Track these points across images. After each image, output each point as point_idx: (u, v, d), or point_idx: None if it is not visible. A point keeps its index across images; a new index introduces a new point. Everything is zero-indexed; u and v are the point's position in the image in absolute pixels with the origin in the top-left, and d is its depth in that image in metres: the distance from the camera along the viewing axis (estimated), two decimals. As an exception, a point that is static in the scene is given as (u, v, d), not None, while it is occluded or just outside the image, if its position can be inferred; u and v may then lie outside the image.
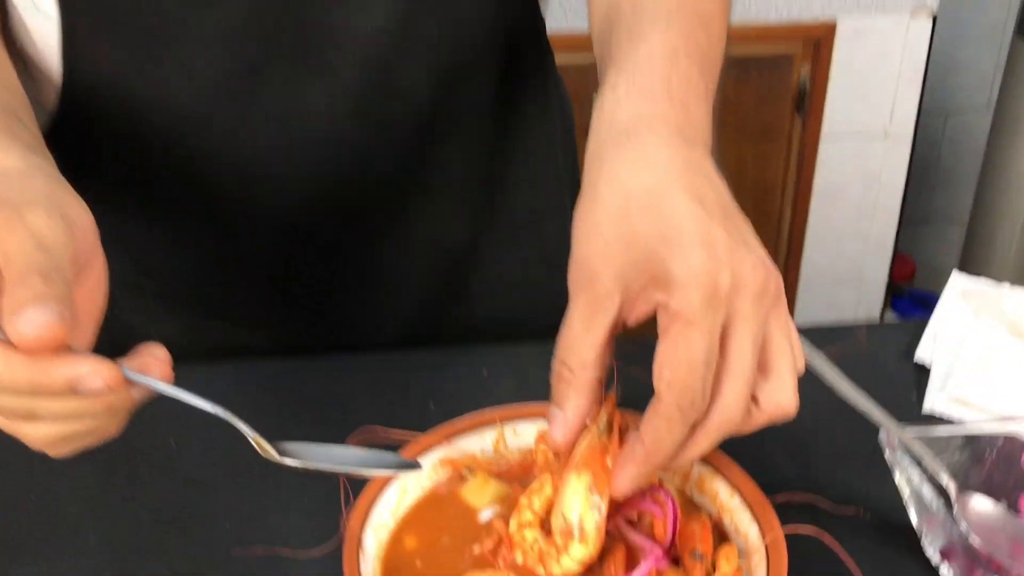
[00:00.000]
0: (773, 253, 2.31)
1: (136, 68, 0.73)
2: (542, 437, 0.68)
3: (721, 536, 0.62)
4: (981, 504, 0.66)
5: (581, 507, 0.55)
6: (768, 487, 0.63)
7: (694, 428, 0.51)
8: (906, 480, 0.66)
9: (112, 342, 0.97)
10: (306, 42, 0.73)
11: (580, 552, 0.55)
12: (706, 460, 0.66)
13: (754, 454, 0.73)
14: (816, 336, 0.73)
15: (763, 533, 0.59)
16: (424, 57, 0.77)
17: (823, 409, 0.79)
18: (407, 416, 0.79)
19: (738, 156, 2.24)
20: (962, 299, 0.90)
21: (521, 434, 0.69)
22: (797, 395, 0.52)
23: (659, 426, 0.50)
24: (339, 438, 0.69)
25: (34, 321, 0.44)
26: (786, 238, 2.36)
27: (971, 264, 2.40)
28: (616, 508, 0.63)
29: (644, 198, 0.49)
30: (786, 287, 0.52)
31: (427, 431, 0.67)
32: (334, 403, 0.82)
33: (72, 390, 0.47)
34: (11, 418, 0.49)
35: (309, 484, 0.73)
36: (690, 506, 0.65)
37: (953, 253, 2.70)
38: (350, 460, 0.57)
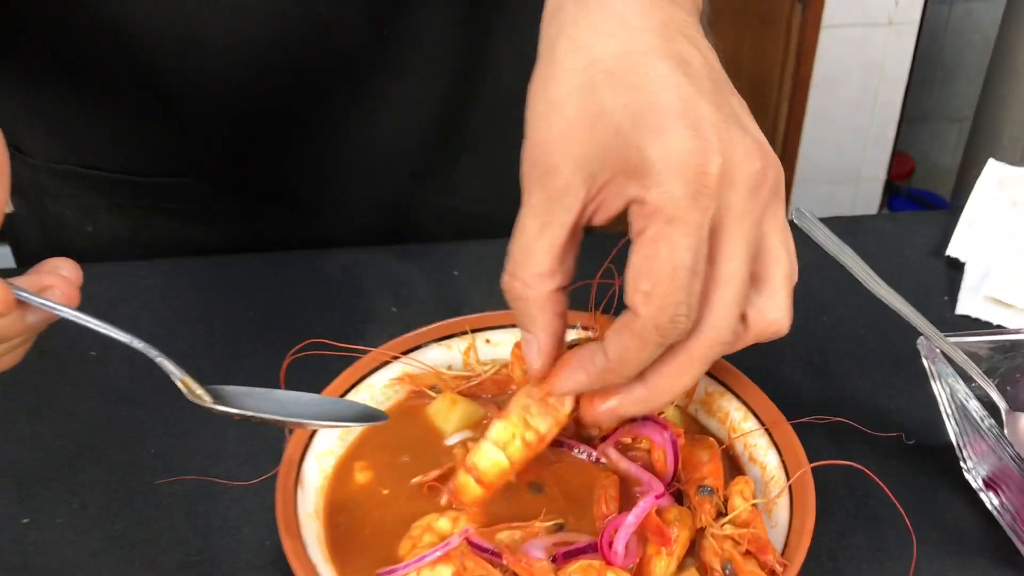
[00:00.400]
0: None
1: None
2: (519, 346, 0.58)
3: (733, 467, 0.52)
4: (1035, 425, 0.56)
5: None
6: (788, 407, 0.53)
7: (672, 349, 0.40)
8: (947, 397, 0.56)
9: (45, 238, 0.86)
10: None
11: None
12: (714, 375, 0.55)
13: (770, 368, 0.63)
14: (832, 227, 0.62)
15: (784, 463, 0.49)
16: None
17: (850, 315, 0.69)
18: (366, 323, 0.69)
19: (734, 45, 2.10)
20: (999, 188, 0.79)
21: (496, 344, 0.58)
22: (791, 311, 0.42)
23: (628, 344, 0.40)
24: (284, 349, 0.58)
25: None
26: (782, 133, 2.24)
27: (974, 163, 2.29)
28: (604, 435, 0.53)
29: (613, 66, 0.39)
30: None
31: (386, 342, 0.57)
32: (282, 307, 0.72)
33: None
34: None
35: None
36: (696, 430, 0.55)
37: (952, 153, 2.59)
38: (299, 409, 0.47)
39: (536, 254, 0.41)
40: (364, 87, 0.75)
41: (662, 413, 0.52)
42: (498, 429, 0.48)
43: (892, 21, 2.15)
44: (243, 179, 0.80)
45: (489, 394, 0.57)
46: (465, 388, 0.56)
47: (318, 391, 0.54)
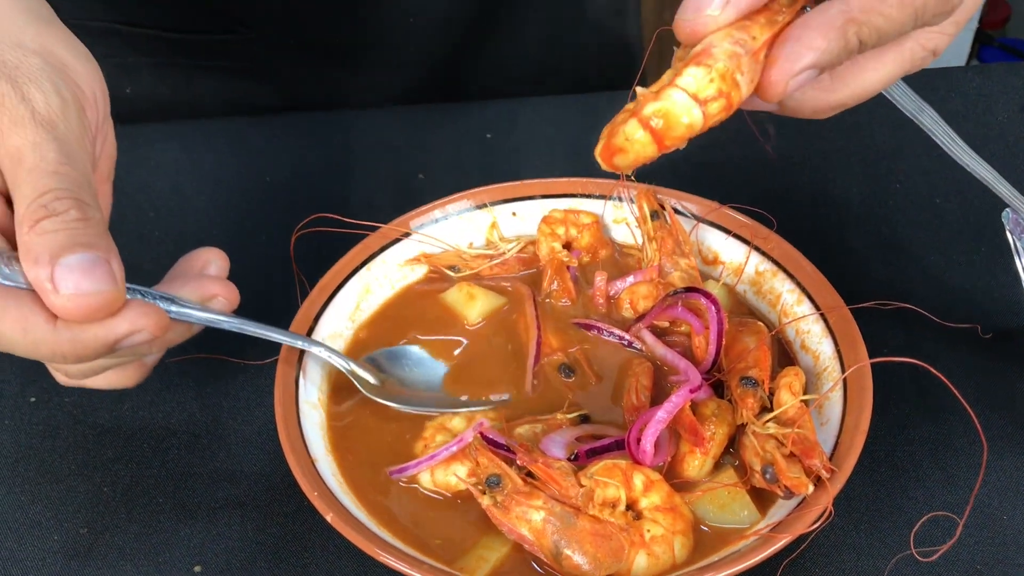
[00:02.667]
0: None
1: None
2: (548, 220, 0.52)
3: (783, 355, 0.47)
4: None
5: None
6: (850, 288, 0.47)
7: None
8: (1035, 275, 0.49)
9: None
10: None
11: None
12: (765, 251, 0.49)
13: (832, 241, 0.57)
14: (917, 82, 0.54)
15: (840, 353, 0.44)
16: None
17: (926, 182, 0.62)
18: (389, 189, 0.64)
19: None
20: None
21: (523, 218, 0.53)
22: None
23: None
24: (298, 219, 0.53)
25: (82, 289, 0.39)
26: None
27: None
28: (639, 316, 0.48)
29: None
30: None
31: (400, 216, 0.52)
32: (304, 172, 0.67)
33: (112, 350, 0.41)
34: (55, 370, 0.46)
35: (264, 276, 0.59)
36: (744, 313, 0.50)
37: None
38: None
39: None
40: None
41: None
42: (698, 76, 0.37)
43: None
44: (291, 34, 0.76)
45: (514, 273, 0.51)
46: (486, 269, 0.51)
47: (327, 268, 0.50)
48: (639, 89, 0.38)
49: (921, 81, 0.57)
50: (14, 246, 0.41)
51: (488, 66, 0.80)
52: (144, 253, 0.62)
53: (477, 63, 0.80)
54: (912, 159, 0.63)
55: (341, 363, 0.45)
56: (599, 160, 0.39)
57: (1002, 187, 0.50)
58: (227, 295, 0.45)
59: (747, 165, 0.66)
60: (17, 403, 0.54)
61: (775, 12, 0.37)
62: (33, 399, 0.54)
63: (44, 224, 0.40)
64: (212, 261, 0.46)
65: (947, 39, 0.43)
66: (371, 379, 0.46)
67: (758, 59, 0.38)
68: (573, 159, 0.63)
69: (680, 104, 0.37)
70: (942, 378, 0.42)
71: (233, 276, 0.59)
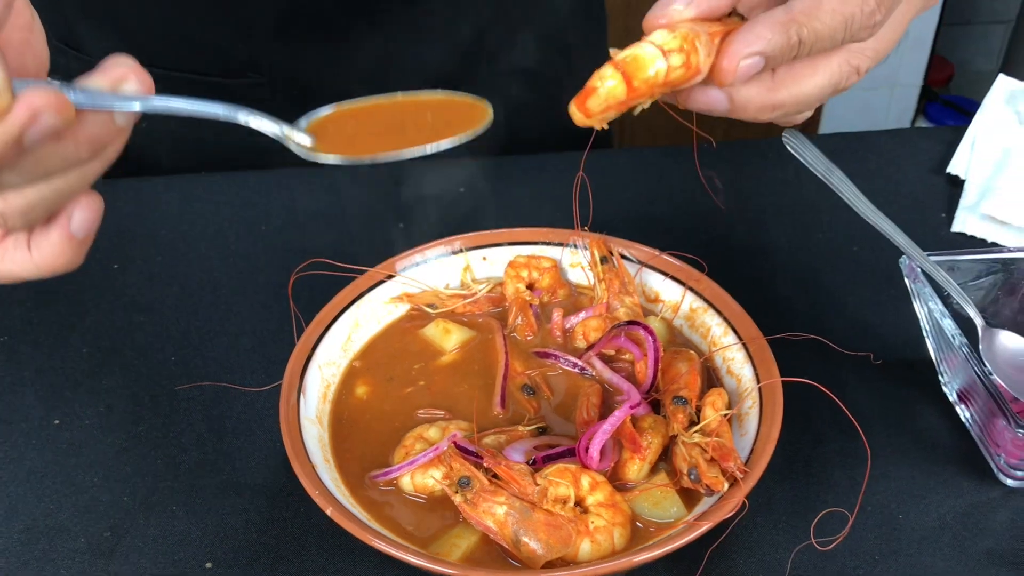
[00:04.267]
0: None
1: None
2: (514, 265, 0.60)
3: (712, 379, 0.55)
4: (1010, 341, 0.58)
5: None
6: (769, 323, 0.55)
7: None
8: (926, 313, 0.58)
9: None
10: None
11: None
12: (699, 291, 0.58)
13: (756, 282, 0.65)
14: (834, 144, 0.63)
15: (758, 377, 0.52)
16: None
17: (842, 233, 0.71)
18: (373, 239, 0.72)
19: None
20: (1006, 104, 0.79)
21: (492, 262, 0.61)
22: None
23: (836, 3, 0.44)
24: (293, 265, 0.61)
25: None
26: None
27: (1014, 67, 2.23)
28: (590, 346, 0.56)
29: None
30: None
31: (384, 261, 0.60)
32: (294, 222, 0.75)
33: (23, 145, 0.38)
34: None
35: (262, 313, 0.67)
36: (680, 343, 0.58)
37: (995, 57, 2.52)
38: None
39: None
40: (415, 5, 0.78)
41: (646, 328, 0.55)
42: (664, 35, 0.43)
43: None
44: (300, 82, 0.83)
45: (483, 311, 0.59)
46: (460, 307, 0.59)
47: (320, 306, 0.57)
48: (612, 50, 0.43)
49: (841, 144, 0.67)
50: None
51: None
52: (151, 293, 0.70)
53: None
54: (834, 212, 0.72)
55: (274, 128, 0.44)
56: (572, 108, 0.43)
57: (900, 238, 0.58)
58: (140, 76, 0.42)
59: (691, 218, 0.75)
60: (43, 425, 0.60)
61: (727, 23, 0.44)
62: (57, 422, 0.60)
63: None
64: (123, 59, 0.42)
65: (869, 62, 0.49)
66: (306, 141, 0.45)
67: (713, 42, 0.43)
68: (536, 211, 0.71)
69: (648, 51, 0.42)
70: (831, 395, 0.51)
71: (234, 314, 0.67)
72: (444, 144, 0.45)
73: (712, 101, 0.46)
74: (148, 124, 0.85)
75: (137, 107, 0.41)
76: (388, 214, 0.75)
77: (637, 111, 0.45)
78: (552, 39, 0.89)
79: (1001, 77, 0.81)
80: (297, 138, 0.45)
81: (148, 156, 0.88)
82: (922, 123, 2.43)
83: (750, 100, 0.47)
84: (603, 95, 0.43)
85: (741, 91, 0.46)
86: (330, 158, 0.44)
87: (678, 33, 0.42)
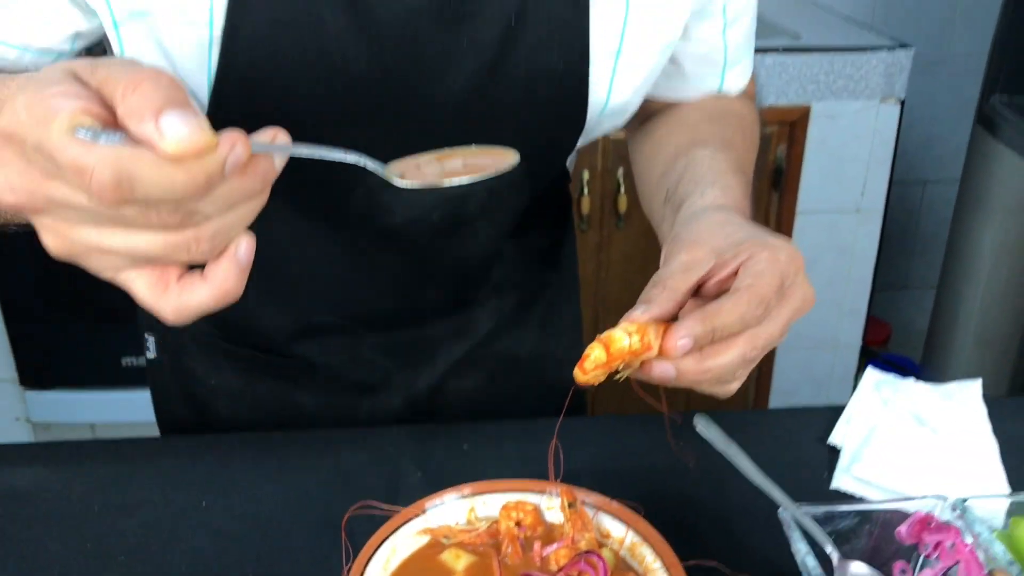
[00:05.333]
0: (753, 318, 2.46)
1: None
2: (506, 507, 0.84)
3: (645, 594, 0.78)
4: (859, 569, 0.81)
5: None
6: (685, 552, 0.79)
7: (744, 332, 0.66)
8: (797, 551, 0.81)
9: (178, 386, 1.12)
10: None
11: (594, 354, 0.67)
12: (638, 530, 0.81)
13: (680, 522, 0.89)
14: (742, 420, 0.88)
15: (676, 594, 0.75)
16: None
17: (739, 486, 0.95)
18: (400, 485, 0.96)
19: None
20: (874, 390, 1.06)
21: (490, 505, 0.85)
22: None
23: (732, 305, 0.65)
24: (344, 506, 0.85)
25: (183, 134, 0.45)
26: (765, 304, 2.51)
27: (940, 329, 2.55)
28: (560, 568, 0.79)
29: (733, 223, 0.74)
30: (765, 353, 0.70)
31: (411, 504, 0.83)
32: (341, 473, 0.98)
33: (222, 174, 0.47)
34: (178, 228, 0.49)
35: (315, 539, 0.89)
36: (623, 568, 0.81)
37: (928, 317, 2.85)
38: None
39: (679, 280, 0.69)
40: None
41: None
42: (626, 325, 0.67)
43: (860, 209, 2.45)
44: (335, 369, 1.07)
45: (484, 541, 0.83)
46: (467, 538, 0.82)
47: (364, 542, 0.80)
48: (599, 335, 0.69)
49: (745, 421, 0.93)
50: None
51: (460, 400, 1.13)
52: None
53: (453, 397, 1.13)
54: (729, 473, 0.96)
55: (375, 166, 0.59)
56: (576, 371, 0.67)
57: (776, 493, 0.83)
58: (283, 134, 0.52)
59: (641, 471, 0.99)
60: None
61: (669, 323, 0.69)
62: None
63: (144, 87, 0.46)
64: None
65: (764, 342, 0.68)
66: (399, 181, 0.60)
67: (660, 331, 0.66)
68: (523, 466, 0.96)
69: (619, 332, 0.67)
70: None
71: (287, 549, 0.89)
72: (489, 173, 0.62)
73: (663, 370, 0.67)
74: (216, 381, 1.09)
75: (289, 152, 0.53)
76: (408, 466, 0.99)
77: (619, 376, 0.71)
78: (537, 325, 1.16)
79: (869, 369, 1.08)
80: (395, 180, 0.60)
81: (211, 412, 1.13)
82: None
83: (688, 369, 0.67)
84: (592, 360, 0.67)
85: (680, 363, 0.67)
86: (416, 184, 0.60)
87: (636, 323, 0.68)
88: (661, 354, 0.68)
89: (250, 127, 0.67)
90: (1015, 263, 2.12)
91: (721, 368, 0.67)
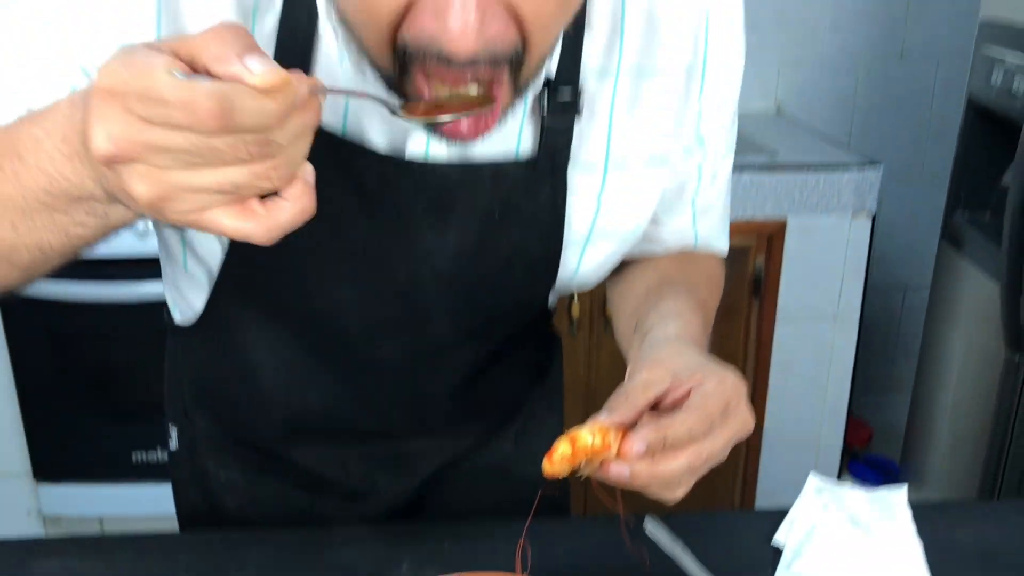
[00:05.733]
0: (736, 419, 2.57)
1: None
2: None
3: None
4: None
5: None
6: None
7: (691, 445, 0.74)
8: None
9: (196, 485, 1.23)
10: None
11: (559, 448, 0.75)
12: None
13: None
14: (690, 523, 1.00)
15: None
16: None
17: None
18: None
19: (703, 333, 2.52)
20: (816, 494, 1.17)
21: (466, 598, 0.96)
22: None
23: (683, 419, 0.74)
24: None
25: (264, 61, 0.52)
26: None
27: (916, 431, 2.65)
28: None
29: (690, 352, 0.83)
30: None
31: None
32: (334, 568, 1.10)
33: (295, 103, 0.54)
34: (260, 159, 0.54)
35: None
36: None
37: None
38: None
39: (638, 397, 0.77)
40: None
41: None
42: (591, 426, 0.75)
43: (836, 316, 2.58)
44: (334, 478, 1.18)
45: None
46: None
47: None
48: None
49: (696, 523, 1.04)
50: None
51: (440, 507, 1.24)
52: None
53: (435, 505, 1.24)
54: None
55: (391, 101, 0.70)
56: (544, 463, 0.75)
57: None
58: (320, 80, 0.60)
59: (611, 571, 1.10)
60: None
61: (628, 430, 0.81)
62: None
63: (224, 36, 0.53)
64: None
65: (709, 452, 0.75)
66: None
67: (619, 436, 0.74)
68: (500, 559, 1.07)
69: (584, 431, 0.75)
70: None
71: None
72: None
73: (619, 471, 0.74)
74: (225, 476, 1.20)
75: (327, 92, 0.60)
76: (392, 558, 1.10)
77: (580, 474, 0.77)
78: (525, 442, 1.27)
79: (812, 475, 1.20)
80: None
81: (222, 505, 1.24)
82: (846, 480, 2.81)
83: (640, 471, 0.74)
84: (559, 453, 0.75)
85: (634, 466, 0.74)
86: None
87: (601, 427, 0.76)
88: (619, 456, 0.75)
89: (264, 264, 0.81)
90: (982, 370, 2.24)
91: (670, 473, 0.75)
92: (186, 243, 0.97)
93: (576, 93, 0.86)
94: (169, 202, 0.55)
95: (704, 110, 0.95)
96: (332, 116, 0.84)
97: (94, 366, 2.45)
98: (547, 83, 0.85)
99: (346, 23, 0.72)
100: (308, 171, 0.59)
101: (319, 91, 0.57)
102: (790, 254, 2.50)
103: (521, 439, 1.26)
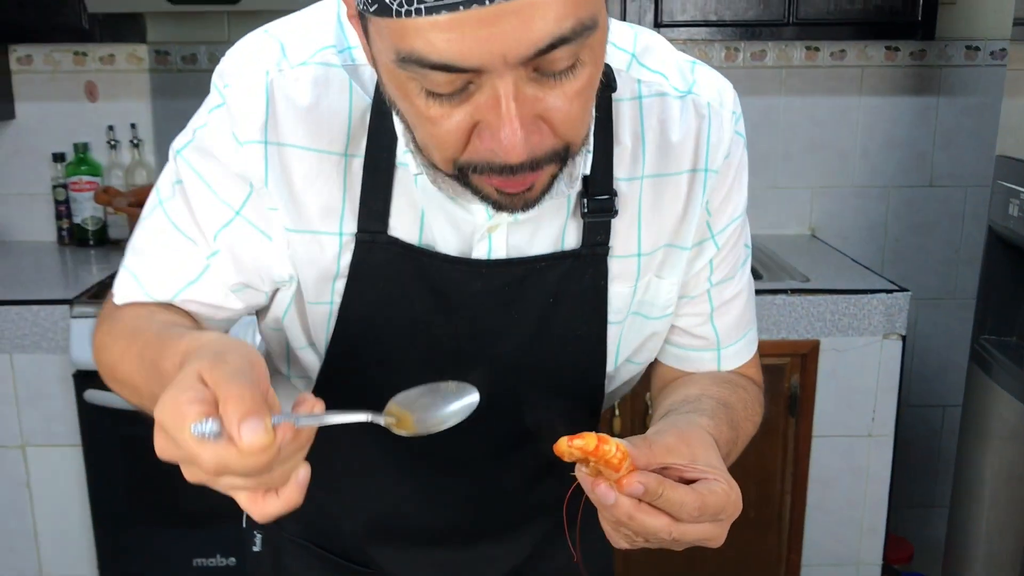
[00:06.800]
0: (776, 533, 2.62)
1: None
2: None
3: None
4: None
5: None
6: None
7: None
8: None
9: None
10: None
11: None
12: None
13: None
14: None
15: None
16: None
17: None
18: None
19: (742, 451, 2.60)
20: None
21: None
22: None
23: (684, 493, 0.80)
24: None
25: (255, 429, 0.68)
26: (787, 521, 2.67)
27: (955, 548, 2.67)
28: None
29: (716, 451, 0.91)
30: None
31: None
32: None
33: (278, 453, 0.70)
34: (258, 476, 0.71)
35: None
36: None
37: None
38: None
39: (659, 452, 0.84)
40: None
41: None
42: (621, 445, 0.80)
43: (871, 433, 2.65)
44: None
45: None
46: None
47: None
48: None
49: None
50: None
51: None
52: None
53: None
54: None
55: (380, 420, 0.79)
56: (562, 440, 0.80)
57: None
58: (319, 405, 0.75)
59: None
60: None
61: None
62: None
63: (232, 401, 0.68)
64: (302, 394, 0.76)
65: (672, 538, 0.81)
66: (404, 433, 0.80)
67: (628, 468, 0.79)
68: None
69: (611, 443, 0.80)
70: None
71: None
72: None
73: (606, 492, 0.80)
74: None
75: (318, 422, 0.75)
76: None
77: (575, 472, 0.83)
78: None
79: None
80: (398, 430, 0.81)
81: None
82: (888, 596, 2.81)
83: (623, 505, 0.80)
84: (581, 443, 0.80)
85: (622, 498, 0.80)
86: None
87: (624, 451, 0.81)
88: (617, 483, 0.80)
89: (357, 365, 0.94)
90: (1014, 488, 2.29)
91: (643, 525, 0.81)
92: (290, 361, 1.13)
93: (611, 196, 1.00)
94: (203, 483, 0.74)
95: (711, 206, 1.06)
96: (410, 229, 1.00)
97: (164, 472, 2.53)
98: (585, 188, 0.99)
99: (422, 153, 0.87)
100: (301, 474, 0.76)
101: (306, 423, 0.74)
102: (824, 373, 2.59)
103: (577, 546, 1.36)
